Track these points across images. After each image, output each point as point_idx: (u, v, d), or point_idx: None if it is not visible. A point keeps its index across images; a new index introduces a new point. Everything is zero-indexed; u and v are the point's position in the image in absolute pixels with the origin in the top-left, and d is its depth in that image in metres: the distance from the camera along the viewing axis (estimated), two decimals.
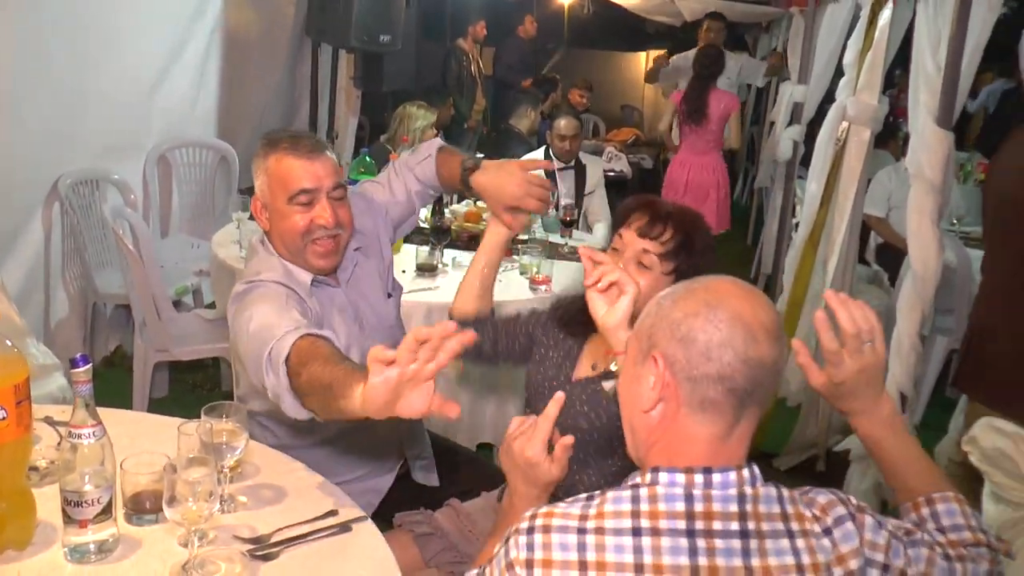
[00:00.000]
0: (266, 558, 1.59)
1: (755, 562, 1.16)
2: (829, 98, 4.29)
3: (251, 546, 1.61)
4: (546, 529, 1.17)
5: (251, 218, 3.65)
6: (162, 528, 1.63)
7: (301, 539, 1.65)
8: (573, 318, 2.00)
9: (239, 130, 5.22)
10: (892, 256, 4.95)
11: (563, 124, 4.74)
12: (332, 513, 1.73)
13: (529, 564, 1.16)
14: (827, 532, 1.20)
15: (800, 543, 1.18)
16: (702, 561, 1.15)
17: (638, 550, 1.15)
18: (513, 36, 8.79)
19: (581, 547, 1.15)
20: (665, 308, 1.25)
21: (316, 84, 5.61)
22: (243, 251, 3.46)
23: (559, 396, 1.46)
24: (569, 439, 1.46)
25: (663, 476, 1.19)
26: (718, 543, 1.16)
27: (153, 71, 4.41)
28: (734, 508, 1.18)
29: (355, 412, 1.46)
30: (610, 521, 1.17)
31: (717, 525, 1.16)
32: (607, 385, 1.79)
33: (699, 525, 1.16)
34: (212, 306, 3.98)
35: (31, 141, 3.62)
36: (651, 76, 7.15)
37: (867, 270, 5.18)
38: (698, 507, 1.17)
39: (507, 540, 1.20)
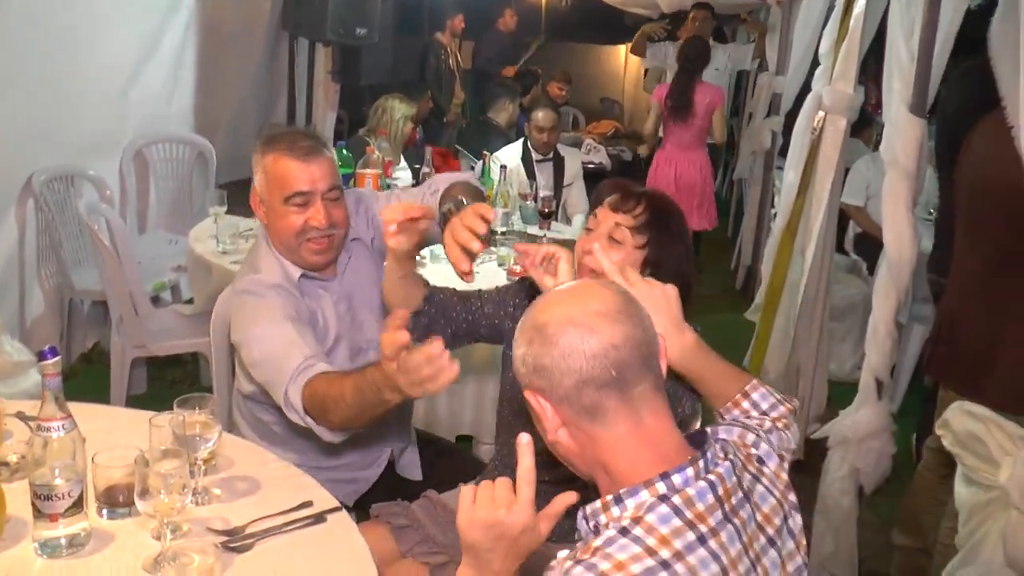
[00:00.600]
0: (240, 550, 1.58)
1: (744, 536, 1.21)
2: (807, 89, 4.31)
3: (225, 538, 1.60)
4: None
5: (228, 212, 3.65)
6: (135, 522, 1.63)
7: (275, 531, 1.64)
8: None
9: (216, 125, 5.20)
10: (870, 245, 4.97)
11: (541, 116, 4.74)
12: (307, 504, 1.73)
13: None
14: (768, 432, 1.40)
15: (758, 488, 1.29)
16: (723, 559, 1.16)
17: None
18: (492, 29, 8.76)
19: None
20: (515, 350, 1.28)
21: (293, 78, 5.59)
22: (220, 246, 3.44)
23: (526, 441, 1.26)
24: (571, 496, 1.27)
25: (630, 502, 1.18)
26: (723, 536, 1.17)
27: (128, 66, 4.38)
28: (711, 499, 1.19)
29: (393, 402, 1.68)
30: (636, 567, 1.11)
31: (713, 520, 1.17)
32: None
33: (702, 528, 1.16)
34: (190, 302, 3.96)
35: (3, 138, 3.58)
36: (638, 48, 7.01)
37: (846, 259, 5.21)
38: (688, 514, 1.16)
39: None
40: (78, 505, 1.53)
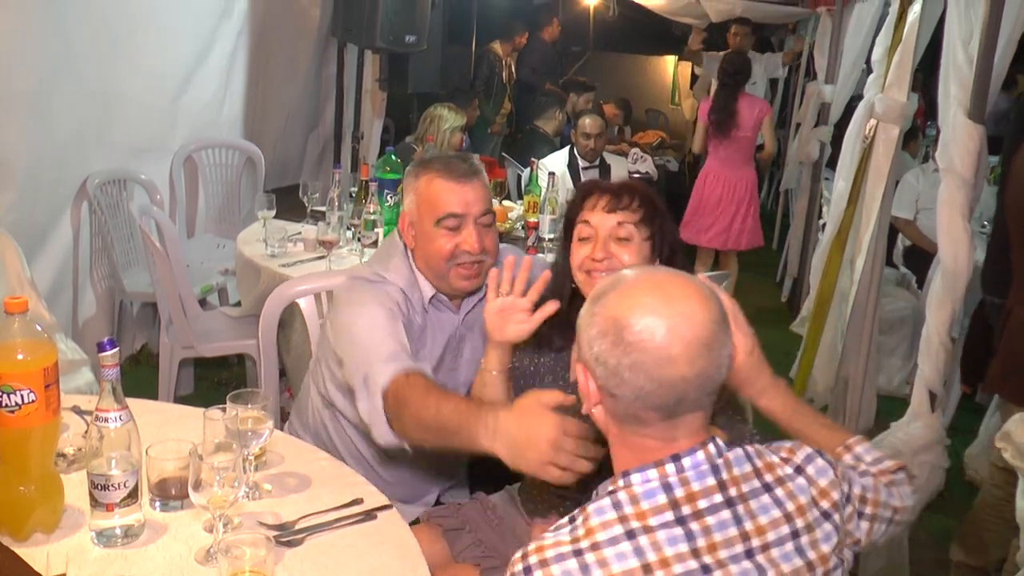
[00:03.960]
0: (290, 544, 1.59)
1: (748, 525, 1.19)
2: (856, 98, 4.26)
3: (276, 532, 1.61)
4: (543, 564, 1.15)
5: (276, 217, 3.68)
6: (187, 514, 1.64)
7: (326, 526, 1.64)
8: (544, 336, 1.90)
9: (265, 131, 5.25)
10: (920, 259, 4.90)
11: (588, 123, 4.74)
12: (357, 502, 1.73)
13: None
14: (799, 471, 1.25)
15: (779, 492, 1.22)
16: (700, 542, 1.16)
17: (639, 551, 1.15)
18: (536, 39, 8.77)
19: (584, 569, 1.14)
20: (584, 319, 1.24)
21: (342, 85, 5.63)
22: (268, 249, 3.47)
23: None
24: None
25: (635, 477, 1.19)
26: (709, 520, 1.17)
27: (180, 72, 4.44)
28: (712, 481, 1.19)
29: (476, 445, 1.59)
30: (602, 534, 1.15)
31: (703, 503, 1.18)
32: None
33: (686, 510, 1.17)
34: (237, 304, 4.00)
35: (60, 142, 3.65)
36: (695, 56, 7.05)
37: (895, 273, 5.13)
38: (679, 493, 1.18)
39: None
40: (133, 496, 1.54)
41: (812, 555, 1.22)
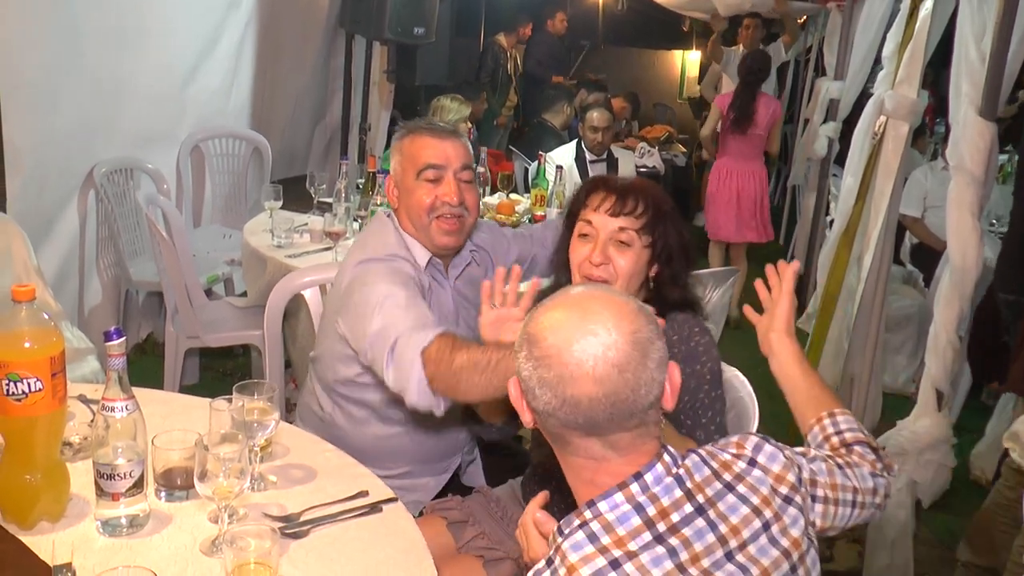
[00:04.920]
0: (296, 536, 1.58)
1: (722, 528, 1.18)
2: (865, 95, 4.24)
3: (281, 524, 1.60)
4: None
5: (282, 208, 3.68)
6: (193, 504, 1.64)
7: (331, 519, 1.64)
8: None
9: (272, 121, 5.25)
10: (927, 257, 4.88)
11: (596, 116, 4.73)
12: (363, 494, 1.72)
13: None
14: (752, 463, 1.26)
15: (741, 488, 1.22)
16: (683, 556, 1.15)
17: None
18: (543, 31, 8.75)
19: None
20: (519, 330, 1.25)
21: (350, 77, 5.62)
22: (275, 240, 3.47)
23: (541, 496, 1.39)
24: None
25: (603, 504, 1.17)
26: (686, 532, 1.17)
27: (188, 62, 4.44)
28: (679, 492, 1.18)
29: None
30: (585, 570, 1.12)
31: (675, 517, 1.17)
32: None
33: (662, 527, 1.16)
34: (243, 295, 4.00)
35: (67, 131, 3.65)
36: (716, 53, 7.06)
37: (902, 270, 5.12)
38: (651, 511, 1.16)
39: None
40: (139, 485, 1.54)
41: (785, 542, 1.22)
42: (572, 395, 1.13)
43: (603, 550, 1.13)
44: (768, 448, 1.28)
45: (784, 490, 1.25)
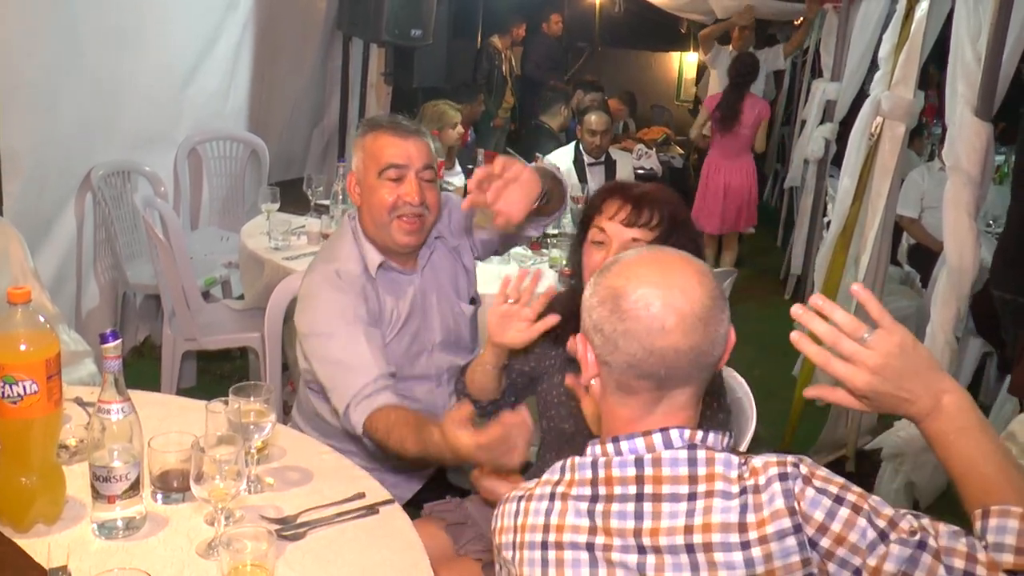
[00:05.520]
0: (292, 538, 1.58)
1: (645, 524, 1.17)
2: (862, 96, 4.24)
3: (277, 526, 1.60)
4: (529, 498, 1.28)
5: (280, 210, 3.68)
6: (189, 507, 1.63)
7: (327, 521, 1.64)
8: (561, 332, 1.89)
9: (270, 124, 5.25)
10: (924, 257, 4.88)
11: (594, 119, 4.73)
12: (359, 496, 1.72)
13: None
14: (743, 491, 1.13)
15: (699, 504, 1.14)
16: (599, 522, 1.20)
17: (548, 512, 1.23)
18: (538, 33, 8.76)
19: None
20: (588, 291, 1.27)
21: (347, 79, 5.62)
22: (272, 242, 3.47)
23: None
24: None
25: (588, 449, 1.25)
26: (614, 507, 1.19)
27: (186, 64, 4.44)
28: (631, 472, 1.20)
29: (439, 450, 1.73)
30: (538, 490, 1.26)
31: (617, 490, 1.20)
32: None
33: (601, 491, 1.21)
34: (241, 298, 4.00)
35: (65, 133, 3.65)
36: (707, 44, 7.15)
37: (899, 271, 5.12)
38: (601, 473, 1.21)
39: None
40: (135, 488, 1.54)
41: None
42: (660, 346, 1.17)
43: (556, 483, 1.25)
44: (776, 488, 1.12)
45: (754, 534, 1.12)
